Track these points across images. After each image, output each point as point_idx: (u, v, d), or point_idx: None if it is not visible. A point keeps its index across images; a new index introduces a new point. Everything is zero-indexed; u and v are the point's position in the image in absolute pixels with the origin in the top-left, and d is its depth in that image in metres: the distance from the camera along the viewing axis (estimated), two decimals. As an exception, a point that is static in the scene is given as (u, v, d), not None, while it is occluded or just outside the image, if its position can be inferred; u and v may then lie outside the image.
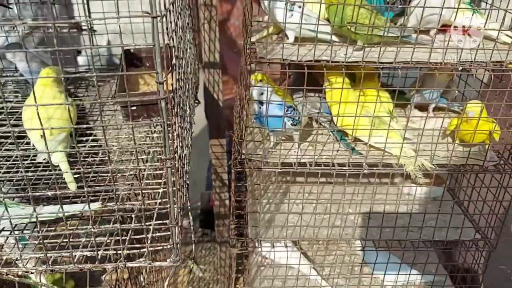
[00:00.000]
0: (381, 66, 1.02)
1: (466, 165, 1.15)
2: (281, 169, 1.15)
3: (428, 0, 1.12)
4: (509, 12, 1.02)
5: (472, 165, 1.15)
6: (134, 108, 1.05)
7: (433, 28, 1.19)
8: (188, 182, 0.94)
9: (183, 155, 1.01)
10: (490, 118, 1.15)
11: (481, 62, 1.04)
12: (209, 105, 1.60)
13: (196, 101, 1.39)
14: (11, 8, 1.27)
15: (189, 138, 1.12)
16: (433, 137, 1.18)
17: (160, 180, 0.93)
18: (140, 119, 1.06)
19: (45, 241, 0.83)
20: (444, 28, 1.20)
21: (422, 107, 1.42)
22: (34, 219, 0.85)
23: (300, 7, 1.08)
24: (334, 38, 1.14)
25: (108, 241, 0.83)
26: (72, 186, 0.98)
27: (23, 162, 0.99)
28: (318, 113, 1.28)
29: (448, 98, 1.39)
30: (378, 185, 1.41)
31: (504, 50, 1.07)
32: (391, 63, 1.03)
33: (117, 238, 0.81)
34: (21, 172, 0.88)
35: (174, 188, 0.76)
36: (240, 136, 1.15)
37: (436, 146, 1.16)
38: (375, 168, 1.15)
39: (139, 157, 0.91)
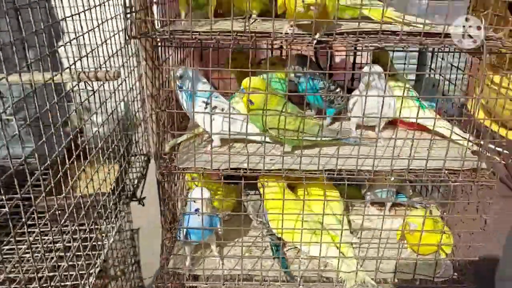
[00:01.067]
0: (303, 176, 0.93)
1: (414, 280, 1.02)
2: (206, 283, 1.04)
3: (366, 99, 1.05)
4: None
5: (421, 280, 1.02)
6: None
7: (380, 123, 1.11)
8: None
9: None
10: (439, 227, 1.03)
11: (435, 170, 0.94)
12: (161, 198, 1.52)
13: (134, 199, 1.31)
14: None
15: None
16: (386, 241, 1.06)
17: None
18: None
19: None
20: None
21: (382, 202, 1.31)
22: None
23: (222, 109, 1.02)
24: (268, 139, 1.07)
25: None
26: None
27: None
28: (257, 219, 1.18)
29: (406, 194, 1.28)
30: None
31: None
32: (315, 171, 0.94)
33: None
34: None
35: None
36: (163, 248, 1.05)
37: (383, 254, 1.05)
38: (311, 283, 1.03)
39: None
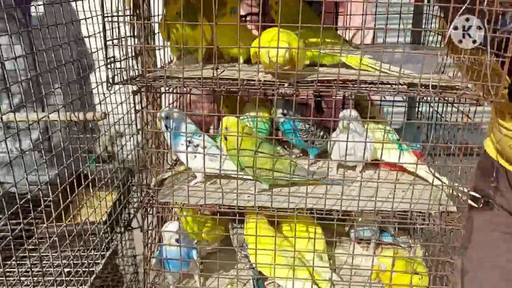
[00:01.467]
0: (275, 213, 0.97)
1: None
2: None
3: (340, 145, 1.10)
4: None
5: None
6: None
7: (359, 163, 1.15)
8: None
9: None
10: (419, 268, 1.05)
11: (403, 212, 0.97)
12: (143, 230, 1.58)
13: (129, 228, 1.38)
14: None
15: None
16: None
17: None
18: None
19: None
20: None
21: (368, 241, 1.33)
22: None
23: (205, 147, 1.08)
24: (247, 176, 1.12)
25: None
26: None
27: None
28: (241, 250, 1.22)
29: (390, 233, 1.29)
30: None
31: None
32: (285, 209, 0.98)
33: None
34: None
35: None
36: (145, 277, 1.11)
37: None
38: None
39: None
